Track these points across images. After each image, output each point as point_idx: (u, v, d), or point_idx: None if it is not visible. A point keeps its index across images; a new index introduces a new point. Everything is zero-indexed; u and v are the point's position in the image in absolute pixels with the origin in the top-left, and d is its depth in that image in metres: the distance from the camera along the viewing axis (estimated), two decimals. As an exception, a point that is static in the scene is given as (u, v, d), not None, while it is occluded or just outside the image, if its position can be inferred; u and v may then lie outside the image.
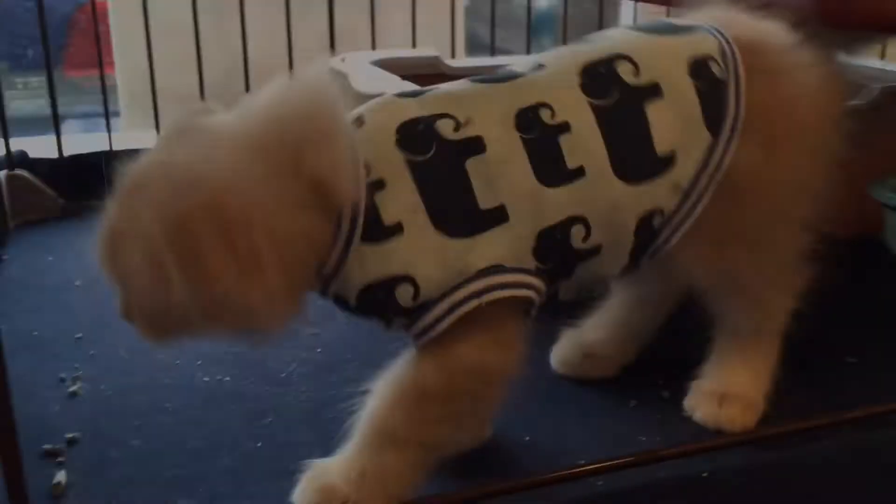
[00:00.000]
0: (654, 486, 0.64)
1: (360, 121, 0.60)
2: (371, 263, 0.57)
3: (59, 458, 0.69)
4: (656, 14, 1.50)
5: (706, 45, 0.65)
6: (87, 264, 1.13)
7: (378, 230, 0.57)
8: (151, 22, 1.27)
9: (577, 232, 0.61)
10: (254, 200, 0.53)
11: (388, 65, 1.13)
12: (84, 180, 1.17)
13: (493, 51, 1.52)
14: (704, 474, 0.65)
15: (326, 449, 0.63)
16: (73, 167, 1.27)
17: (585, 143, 0.60)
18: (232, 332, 0.59)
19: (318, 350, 0.88)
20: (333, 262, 0.57)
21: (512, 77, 0.63)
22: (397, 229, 0.57)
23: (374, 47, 1.39)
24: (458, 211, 0.58)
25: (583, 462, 0.67)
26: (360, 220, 0.56)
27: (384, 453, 0.60)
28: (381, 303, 0.58)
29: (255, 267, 0.53)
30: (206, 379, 0.82)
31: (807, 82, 0.67)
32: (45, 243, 1.13)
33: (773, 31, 0.68)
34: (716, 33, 0.66)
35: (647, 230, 0.64)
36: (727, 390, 0.73)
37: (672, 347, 0.81)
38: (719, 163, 0.64)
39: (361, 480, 0.61)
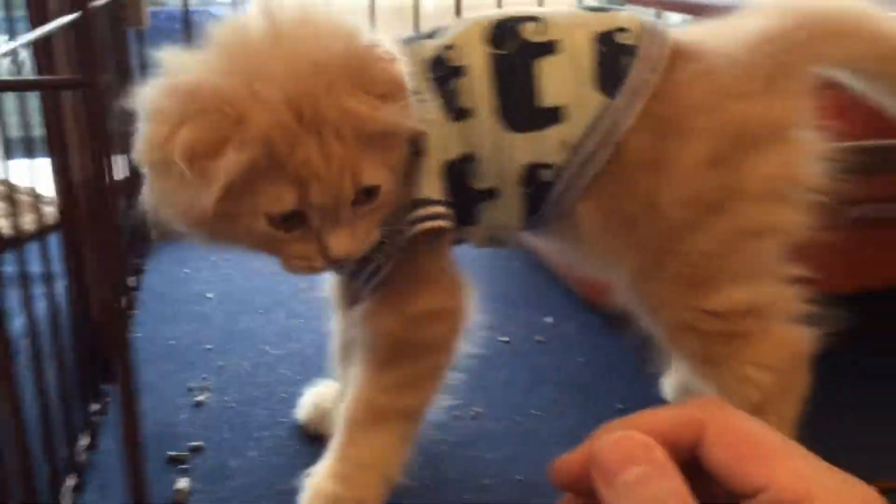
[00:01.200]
0: None
1: None
2: None
3: (183, 465, 0.74)
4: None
5: (623, 19, 0.65)
6: (220, 277, 1.18)
7: None
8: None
9: (470, 170, 0.63)
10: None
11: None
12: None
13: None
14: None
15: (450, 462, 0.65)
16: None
17: (476, 86, 0.62)
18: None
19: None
20: None
21: (442, 30, 0.66)
22: None
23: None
24: None
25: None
26: None
27: (372, 435, 0.65)
28: None
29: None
30: (321, 394, 0.86)
31: (742, 97, 0.62)
32: (182, 257, 1.20)
33: (750, 49, 0.63)
34: (647, 18, 0.66)
35: (534, 182, 0.64)
36: None
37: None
38: (612, 126, 0.62)
39: (355, 472, 0.64)
